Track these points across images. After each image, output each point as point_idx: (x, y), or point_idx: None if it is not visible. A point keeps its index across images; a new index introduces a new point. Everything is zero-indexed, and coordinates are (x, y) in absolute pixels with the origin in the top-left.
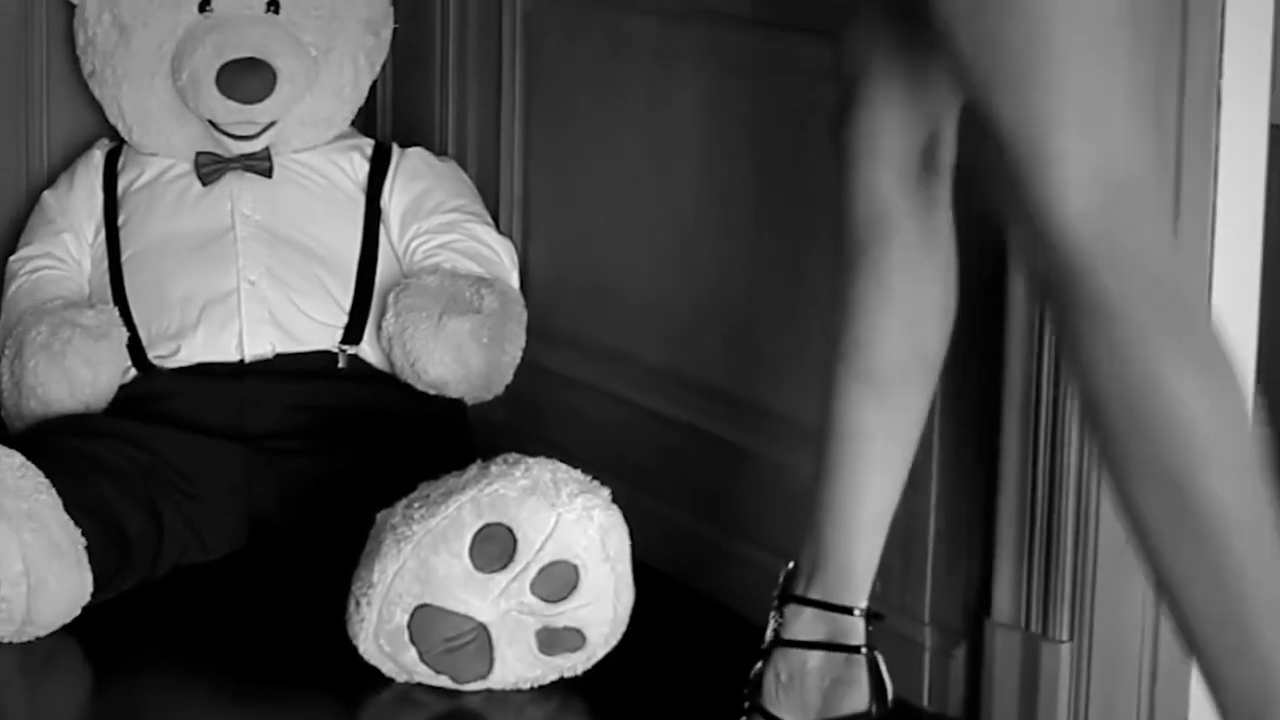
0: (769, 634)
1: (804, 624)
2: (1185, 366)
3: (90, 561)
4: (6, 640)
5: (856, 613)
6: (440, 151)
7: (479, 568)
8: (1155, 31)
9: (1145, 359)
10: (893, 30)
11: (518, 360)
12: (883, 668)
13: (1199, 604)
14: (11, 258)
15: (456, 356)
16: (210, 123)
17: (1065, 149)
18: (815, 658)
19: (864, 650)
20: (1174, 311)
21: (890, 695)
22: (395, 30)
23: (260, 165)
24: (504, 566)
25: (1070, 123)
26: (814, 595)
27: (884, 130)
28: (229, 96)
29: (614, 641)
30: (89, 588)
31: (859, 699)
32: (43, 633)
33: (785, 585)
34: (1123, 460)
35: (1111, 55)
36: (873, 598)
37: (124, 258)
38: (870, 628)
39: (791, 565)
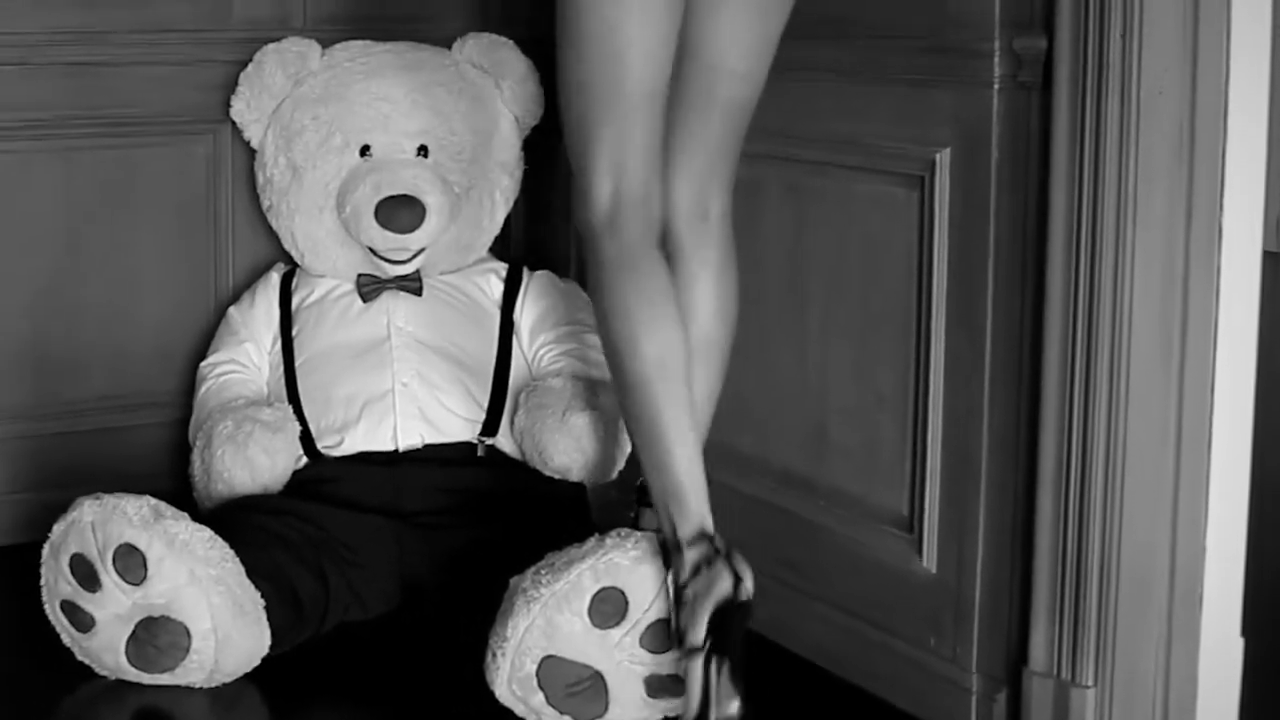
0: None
1: (647, 519)
2: (639, 308)
3: (268, 619)
4: (198, 686)
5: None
6: (563, 274)
7: (596, 624)
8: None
9: (620, 298)
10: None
11: (629, 450)
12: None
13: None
14: (202, 363)
15: (578, 446)
16: (370, 249)
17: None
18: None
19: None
20: (639, 277)
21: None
22: (525, 171)
23: (412, 285)
24: (617, 623)
25: (598, 171)
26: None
27: (678, 198)
28: (386, 227)
29: None
30: (267, 642)
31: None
32: (228, 680)
33: (640, 494)
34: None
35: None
36: (928, 650)
37: (297, 363)
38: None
39: (641, 480)
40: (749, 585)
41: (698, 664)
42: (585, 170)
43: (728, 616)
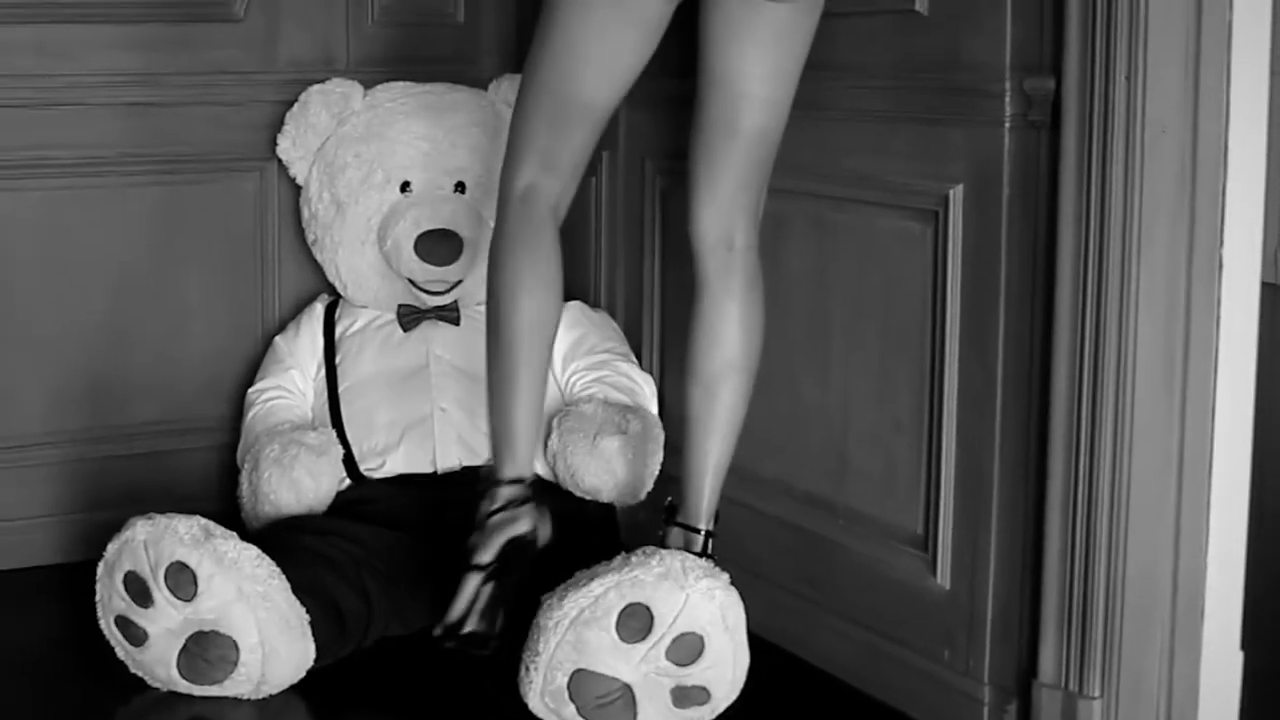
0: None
1: (673, 538)
2: (527, 275)
3: (313, 634)
4: (245, 697)
5: (700, 531)
6: (595, 304)
7: (624, 639)
8: None
9: (514, 263)
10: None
11: (657, 472)
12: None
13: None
14: (250, 390)
15: (607, 469)
16: (410, 281)
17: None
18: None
19: (704, 554)
20: (533, 250)
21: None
22: None
23: (450, 315)
24: (644, 638)
25: (528, 157)
26: (679, 521)
27: (706, 227)
28: (425, 260)
29: (733, 697)
30: (312, 655)
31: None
32: (274, 691)
33: (668, 514)
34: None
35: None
36: (942, 663)
37: (340, 389)
38: (712, 536)
39: (669, 501)
40: (544, 534)
41: (474, 580)
42: (518, 152)
43: (516, 552)
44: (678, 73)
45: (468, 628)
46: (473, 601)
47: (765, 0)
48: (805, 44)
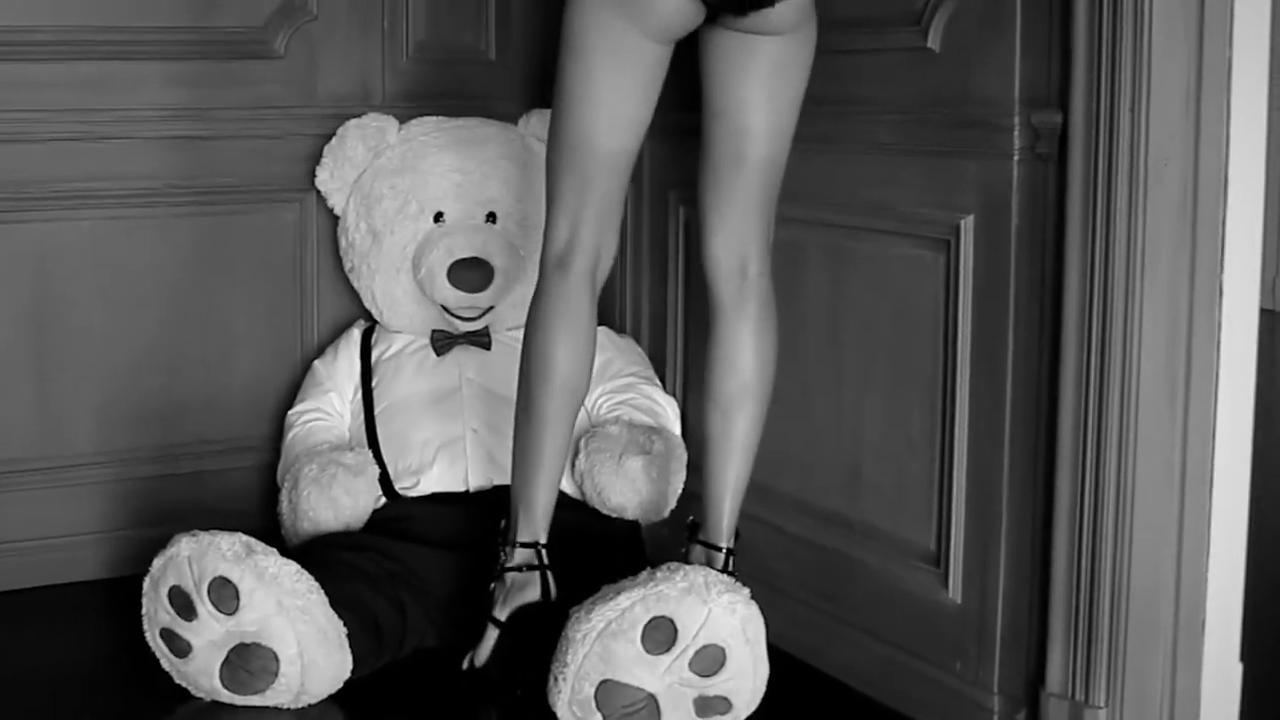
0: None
1: (695, 555)
2: (562, 342)
3: (350, 646)
4: (285, 707)
5: (721, 549)
6: (620, 329)
7: (648, 650)
8: None
9: (550, 327)
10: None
11: (680, 491)
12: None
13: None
14: (290, 411)
15: (633, 487)
16: (443, 307)
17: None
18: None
19: (725, 571)
20: (570, 316)
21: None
22: None
23: (481, 340)
24: (668, 649)
25: (558, 216)
26: (701, 538)
27: (719, 255)
28: (457, 287)
29: (754, 706)
30: (349, 666)
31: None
32: (313, 701)
33: (690, 532)
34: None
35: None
36: (953, 674)
37: (376, 411)
38: (732, 554)
39: (691, 519)
40: (552, 595)
41: (492, 633)
42: (549, 212)
43: (527, 617)
44: (699, 106)
45: (492, 673)
46: (493, 652)
47: (759, 34)
48: (804, 73)
